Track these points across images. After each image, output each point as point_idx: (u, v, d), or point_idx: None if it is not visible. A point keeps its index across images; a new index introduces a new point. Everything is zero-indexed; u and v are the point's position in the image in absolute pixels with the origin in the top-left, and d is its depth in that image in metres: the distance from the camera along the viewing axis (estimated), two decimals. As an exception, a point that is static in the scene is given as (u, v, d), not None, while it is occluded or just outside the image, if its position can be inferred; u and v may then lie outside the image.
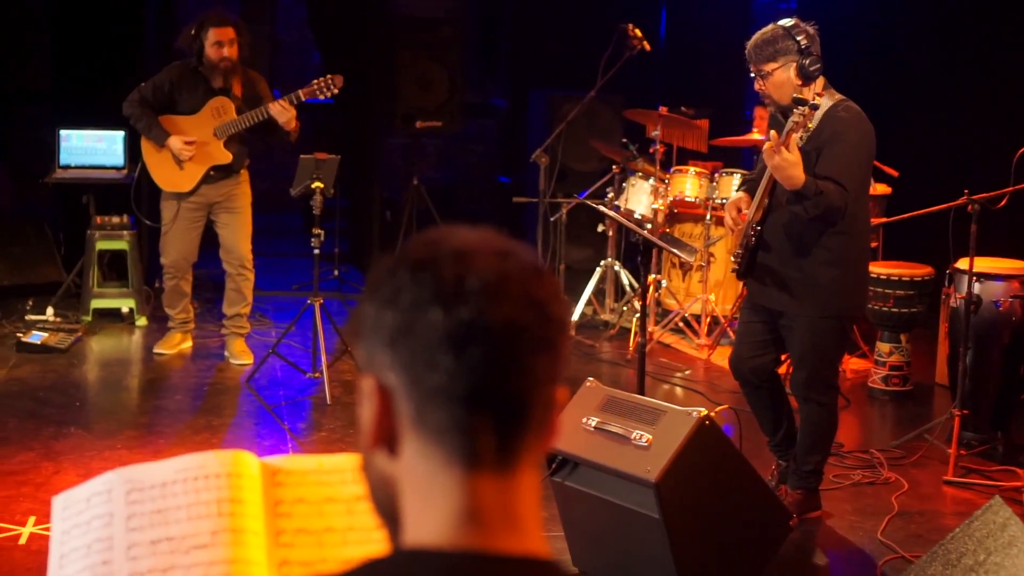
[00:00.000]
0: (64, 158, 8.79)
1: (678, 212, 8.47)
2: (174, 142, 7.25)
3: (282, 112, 7.06)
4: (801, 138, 4.92)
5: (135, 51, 9.30)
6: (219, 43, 7.16)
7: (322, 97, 7.27)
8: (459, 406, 1.18)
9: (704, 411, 4.25)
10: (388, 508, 1.27)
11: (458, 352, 1.17)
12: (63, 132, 8.81)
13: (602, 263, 8.75)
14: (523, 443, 1.22)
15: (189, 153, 7.25)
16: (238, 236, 7.49)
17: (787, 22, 5.06)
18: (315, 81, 7.09)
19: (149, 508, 2.08)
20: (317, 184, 6.93)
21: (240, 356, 7.59)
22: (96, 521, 2.08)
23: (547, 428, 1.24)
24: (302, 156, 7.10)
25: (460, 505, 1.20)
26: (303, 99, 7.10)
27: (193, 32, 7.24)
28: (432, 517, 1.21)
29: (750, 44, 5.10)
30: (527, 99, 10.87)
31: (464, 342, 1.17)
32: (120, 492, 2.09)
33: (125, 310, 8.51)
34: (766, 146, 4.81)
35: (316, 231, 6.92)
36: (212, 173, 7.36)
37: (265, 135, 7.41)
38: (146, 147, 7.43)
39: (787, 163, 4.75)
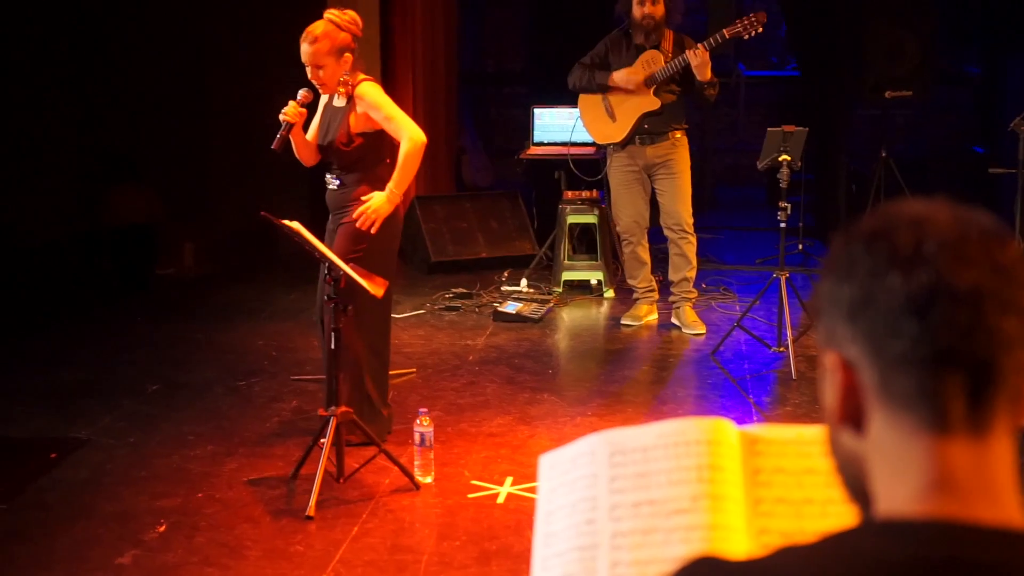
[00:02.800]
0: (538, 135, 9.18)
1: None
2: (619, 74, 7.59)
3: (694, 55, 7.23)
4: None
5: (604, 32, 9.55)
6: (641, 2, 7.50)
7: (747, 36, 7.35)
8: (926, 371, 1.16)
9: None
10: (857, 486, 1.26)
11: (921, 316, 1.15)
12: (537, 110, 9.19)
13: (1088, 237, 8.20)
14: (995, 407, 1.17)
15: (635, 79, 7.51)
16: (676, 199, 7.64)
17: None
18: (739, 20, 7.24)
19: (631, 471, 2.12)
20: (784, 157, 6.90)
21: (693, 326, 7.66)
22: (581, 481, 2.15)
23: (1020, 395, 1.19)
24: (769, 129, 7.10)
25: (932, 473, 1.17)
26: (727, 37, 7.26)
27: None
28: (902, 487, 1.19)
29: None
30: (1004, 65, 10.33)
31: (927, 305, 1.15)
32: (603, 454, 2.15)
33: (594, 282, 8.79)
34: None
35: (782, 204, 6.90)
36: (646, 125, 7.57)
37: (688, 91, 7.57)
38: (582, 105, 7.82)
39: None
